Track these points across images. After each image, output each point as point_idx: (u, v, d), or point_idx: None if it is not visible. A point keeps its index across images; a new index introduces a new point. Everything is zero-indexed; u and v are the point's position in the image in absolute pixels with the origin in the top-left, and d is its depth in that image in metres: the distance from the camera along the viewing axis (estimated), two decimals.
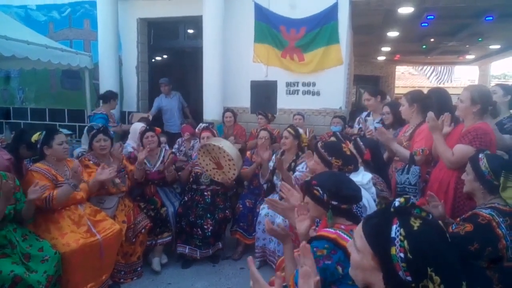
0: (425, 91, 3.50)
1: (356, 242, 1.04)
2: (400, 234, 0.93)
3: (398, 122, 3.55)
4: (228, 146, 3.52)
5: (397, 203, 0.99)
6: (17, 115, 6.98)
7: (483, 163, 1.97)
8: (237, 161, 3.54)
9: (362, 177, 2.31)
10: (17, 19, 6.43)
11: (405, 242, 0.92)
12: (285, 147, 3.69)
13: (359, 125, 3.98)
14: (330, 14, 5.22)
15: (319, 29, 5.28)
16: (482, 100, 2.47)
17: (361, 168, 2.44)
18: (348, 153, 2.41)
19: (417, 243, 0.91)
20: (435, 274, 0.88)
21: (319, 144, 2.45)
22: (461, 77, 18.10)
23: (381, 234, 0.97)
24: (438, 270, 0.88)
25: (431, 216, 0.98)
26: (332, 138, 3.46)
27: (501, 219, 1.84)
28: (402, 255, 0.91)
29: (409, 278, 0.91)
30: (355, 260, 1.05)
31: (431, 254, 0.90)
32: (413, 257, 0.90)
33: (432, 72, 16.33)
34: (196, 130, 4.49)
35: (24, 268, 2.46)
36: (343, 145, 2.43)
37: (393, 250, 0.93)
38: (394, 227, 0.95)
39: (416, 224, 0.94)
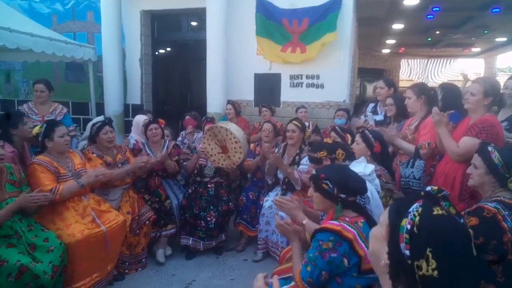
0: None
1: (381, 216, 1.09)
2: (417, 211, 0.95)
3: (401, 114, 3.54)
4: (235, 129, 3.52)
5: (428, 188, 1.01)
6: None
7: (496, 156, 1.96)
8: (244, 145, 3.52)
9: (364, 168, 2.31)
10: (20, 11, 6.41)
11: (417, 218, 0.93)
12: (291, 141, 3.62)
13: (365, 116, 3.98)
14: (334, 5, 5.15)
15: (323, 21, 5.20)
16: (494, 93, 2.47)
17: (362, 159, 2.45)
18: (330, 141, 2.54)
19: (427, 222, 0.92)
20: (432, 256, 0.88)
21: (307, 150, 2.55)
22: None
23: (401, 208, 0.99)
24: (438, 255, 0.88)
25: (462, 220, 0.97)
26: (332, 133, 3.47)
27: (506, 213, 1.84)
28: (409, 226, 0.93)
29: (407, 252, 0.92)
30: (373, 231, 1.10)
31: (436, 237, 0.90)
32: (418, 232, 0.91)
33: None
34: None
35: (30, 258, 2.48)
36: (326, 138, 2.53)
37: (404, 222, 0.95)
38: (415, 204, 0.97)
39: (438, 212, 0.94)
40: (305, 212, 2.27)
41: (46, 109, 4.32)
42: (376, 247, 1.05)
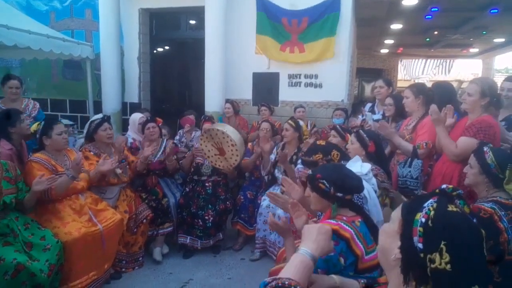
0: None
1: (393, 213, 1.08)
2: (432, 206, 0.95)
3: (399, 115, 3.54)
4: (232, 131, 3.53)
5: (443, 186, 1.01)
6: None
7: (489, 156, 1.97)
8: (240, 147, 3.54)
9: (361, 167, 2.31)
10: (18, 8, 6.38)
11: (432, 212, 0.93)
12: (285, 139, 3.70)
13: (362, 116, 3.99)
14: (333, 4, 5.17)
15: (322, 20, 5.22)
16: (491, 93, 2.48)
17: (357, 158, 2.46)
18: (323, 143, 2.57)
19: (442, 217, 0.92)
20: (446, 250, 0.87)
21: (301, 156, 2.66)
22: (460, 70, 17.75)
23: (415, 204, 1.00)
24: (452, 249, 0.87)
25: (475, 221, 0.96)
26: (333, 131, 3.49)
27: (503, 213, 1.85)
28: (423, 220, 0.93)
29: (420, 245, 0.91)
30: (384, 227, 1.10)
31: (450, 232, 0.89)
32: (432, 225, 0.91)
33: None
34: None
35: (27, 257, 2.47)
36: (318, 141, 2.64)
37: (418, 216, 0.95)
38: (430, 200, 0.97)
39: (452, 209, 0.94)
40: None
41: (18, 106, 3.97)
42: (386, 243, 1.05)
